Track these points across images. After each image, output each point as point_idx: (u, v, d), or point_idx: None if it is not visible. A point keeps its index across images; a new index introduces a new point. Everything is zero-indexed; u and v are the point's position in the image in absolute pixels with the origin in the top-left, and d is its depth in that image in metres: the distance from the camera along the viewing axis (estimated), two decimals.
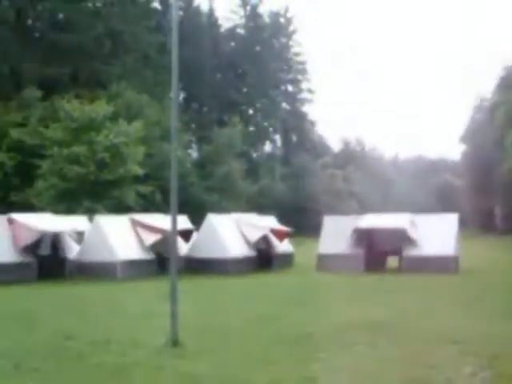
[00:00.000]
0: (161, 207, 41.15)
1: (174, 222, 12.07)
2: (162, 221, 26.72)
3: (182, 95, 66.70)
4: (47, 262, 24.71)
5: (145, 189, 40.87)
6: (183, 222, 27.11)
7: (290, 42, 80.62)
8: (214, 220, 27.76)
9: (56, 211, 31.32)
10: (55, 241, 25.68)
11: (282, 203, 61.82)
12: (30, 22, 58.76)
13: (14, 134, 43.05)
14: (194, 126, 66.16)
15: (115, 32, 55.63)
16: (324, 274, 26.01)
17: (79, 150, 37.46)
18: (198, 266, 25.70)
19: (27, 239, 23.65)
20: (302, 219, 57.46)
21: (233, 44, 77.88)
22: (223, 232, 27.16)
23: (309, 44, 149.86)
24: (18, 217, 24.92)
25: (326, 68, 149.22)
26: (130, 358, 10.45)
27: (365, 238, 27.15)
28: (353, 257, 26.83)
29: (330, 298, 18.87)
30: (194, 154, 62.87)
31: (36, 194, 39.00)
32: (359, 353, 10.78)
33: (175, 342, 11.28)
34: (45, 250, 25.17)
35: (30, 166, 41.24)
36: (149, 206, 41.26)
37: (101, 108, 40.04)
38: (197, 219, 29.21)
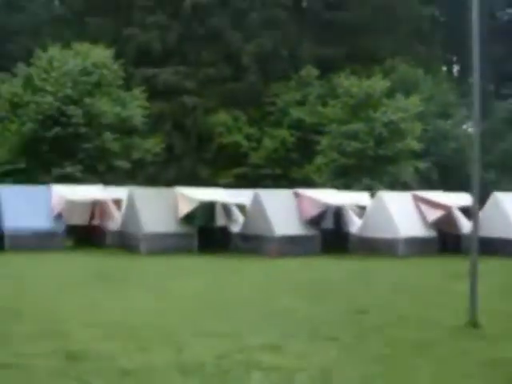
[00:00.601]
0: (436, 184, 40.09)
1: (475, 200, 11.58)
2: (443, 197, 25.96)
3: (456, 68, 64.50)
4: (330, 236, 25.30)
5: (422, 165, 40.02)
6: (465, 199, 25.97)
7: None
8: (500, 198, 26.24)
9: (335, 187, 31.90)
10: (338, 215, 26.16)
11: None
12: (305, 4, 60.76)
13: (294, 112, 44.98)
14: (469, 99, 63.34)
15: (388, 6, 55.05)
16: None
17: (357, 126, 37.83)
18: (482, 246, 24.36)
19: (312, 212, 24.44)
20: None
21: (511, 11, 72.86)
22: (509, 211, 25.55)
23: None
24: (303, 191, 25.90)
25: None
26: (428, 336, 10.12)
27: None
28: None
29: None
30: (469, 129, 60.31)
31: (315, 170, 40.20)
32: None
33: (474, 324, 10.74)
34: (328, 224, 25.73)
35: (310, 143, 42.65)
36: (424, 182, 40.37)
37: (377, 84, 39.94)
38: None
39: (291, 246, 23.78)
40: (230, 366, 8.19)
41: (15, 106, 36.06)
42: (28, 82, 36.42)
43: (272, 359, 8.50)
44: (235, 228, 25.77)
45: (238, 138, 44.94)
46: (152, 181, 37.96)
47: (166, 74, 46.68)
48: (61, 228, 25.29)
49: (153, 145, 39.41)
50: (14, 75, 38.85)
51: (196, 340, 9.56)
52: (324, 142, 39.74)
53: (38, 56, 37.20)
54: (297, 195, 25.33)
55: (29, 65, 37.55)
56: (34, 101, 34.71)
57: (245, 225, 25.39)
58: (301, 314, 11.89)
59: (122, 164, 36.35)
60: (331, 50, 51.51)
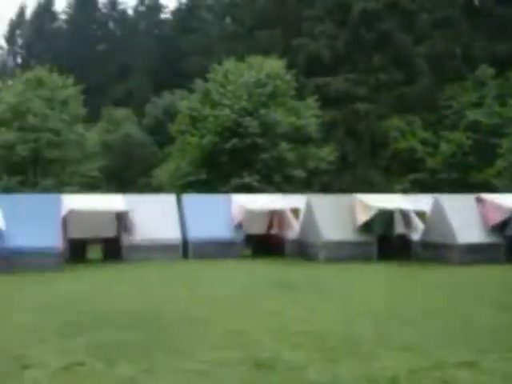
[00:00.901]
0: None
1: None
2: None
3: None
4: None
5: None
6: None
7: None
8: None
9: None
10: None
11: None
12: (476, 1, 58.49)
13: (471, 114, 43.28)
14: None
15: None
16: None
17: None
18: None
19: (496, 218, 23.25)
20: None
21: None
22: None
23: None
24: (486, 196, 24.75)
25: None
26: None
27: None
28: None
29: None
30: None
31: (495, 174, 38.36)
32: None
33: None
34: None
35: (488, 146, 40.79)
36: None
37: None
38: None
39: (474, 254, 22.77)
40: (425, 383, 7.85)
41: (194, 120, 37.72)
42: (206, 97, 37.93)
43: (470, 377, 8.06)
44: (415, 236, 25.14)
45: (412, 143, 43.98)
46: (326, 189, 38.00)
47: (338, 82, 46.77)
48: (240, 237, 25.92)
49: (327, 153, 39.48)
50: (191, 91, 40.66)
51: (384, 352, 9.31)
52: (504, 144, 37.85)
53: (214, 70, 38.69)
54: (479, 201, 24.23)
55: (205, 80, 39.14)
56: (212, 114, 36.06)
57: (425, 232, 24.70)
58: (490, 327, 11.27)
59: (298, 173, 36.72)
60: (506, 46, 49.09)
